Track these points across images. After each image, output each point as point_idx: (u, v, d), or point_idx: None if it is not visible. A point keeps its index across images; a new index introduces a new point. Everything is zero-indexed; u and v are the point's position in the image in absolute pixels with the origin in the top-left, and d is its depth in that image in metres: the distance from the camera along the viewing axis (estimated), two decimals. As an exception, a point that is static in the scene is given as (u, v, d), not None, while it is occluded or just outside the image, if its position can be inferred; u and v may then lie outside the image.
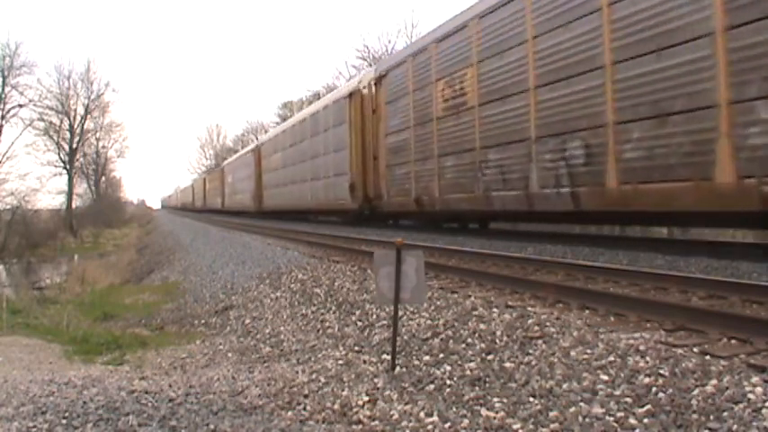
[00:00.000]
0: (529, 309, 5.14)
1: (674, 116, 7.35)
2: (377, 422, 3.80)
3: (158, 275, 17.65)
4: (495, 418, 3.51)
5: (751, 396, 3.04)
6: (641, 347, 3.84)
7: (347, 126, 18.13)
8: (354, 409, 4.02)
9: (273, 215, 30.32)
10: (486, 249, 9.04)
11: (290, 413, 4.08)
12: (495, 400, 3.73)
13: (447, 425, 3.58)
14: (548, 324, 4.64)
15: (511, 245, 9.78)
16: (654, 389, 3.33)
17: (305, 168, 22.98)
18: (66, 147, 53.47)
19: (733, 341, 3.86)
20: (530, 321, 4.78)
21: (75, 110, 54.13)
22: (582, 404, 3.37)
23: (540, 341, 4.37)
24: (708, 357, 3.59)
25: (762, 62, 6.28)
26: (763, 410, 2.91)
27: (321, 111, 21.46)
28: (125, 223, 65.80)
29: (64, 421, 3.93)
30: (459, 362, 4.43)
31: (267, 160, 30.43)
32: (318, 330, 6.53)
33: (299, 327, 6.94)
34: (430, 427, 3.61)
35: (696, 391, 3.20)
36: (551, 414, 3.37)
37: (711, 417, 2.97)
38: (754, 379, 3.20)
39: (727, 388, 3.16)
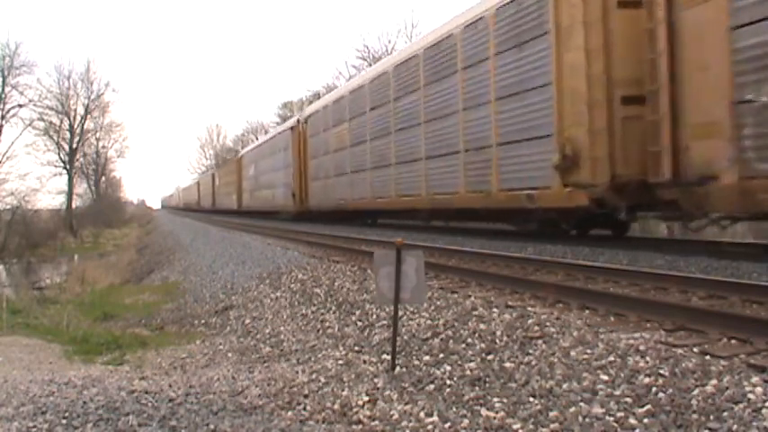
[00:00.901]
0: (529, 309, 5.14)
1: None
2: (377, 422, 3.80)
3: (158, 275, 17.64)
4: (495, 418, 3.51)
5: (751, 396, 3.04)
6: (641, 347, 3.84)
7: None
8: (354, 409, 4.02)
9: (334, 219, 20.69)
10: (486, 249, 9.04)
11: (290, 413, 4.08)
12: (495, 400, 3.73)
13: (447, 425, 3.58)
14: (548, 324, 4.64)
15: (511, 245, 9.78)
16: (654, 389, 3.33)
17: (444, 132, 12.34)
18: (66, 147, 53.46)
19: (733, 341, 3.87)
20: (530, 321, 4.78)
21: (75, 110, 54.13)
22: (582, 404, 3.37)
23: (540, 341, 4.37)
24: (708, 357, 3.59)
25: None
26: (763, 410, 2.91)
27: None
28: (125, 223, 65.74)
29: (64, 421, 3.93)
30: (460, 362, 4.43)
31: (319, 138, 21.23)
32: (318, 330, 6.53)
33: (299, 327, 6.94)
34: (430, 427, 3.61)
35: (696, 391, 3.20)
36: (551, 414, 3.37)
37: (711, 417, 2.97)
38: (754, 379, 3.20)
39: (727, 388, 3.16)
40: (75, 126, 54.16)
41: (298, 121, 24.23)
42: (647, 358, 3.68)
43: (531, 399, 3.60)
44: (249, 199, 33.89)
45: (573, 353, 4.02)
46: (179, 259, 18.52)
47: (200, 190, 58.32)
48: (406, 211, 15.30)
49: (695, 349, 3.74)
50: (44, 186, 52.09)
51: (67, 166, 53.49)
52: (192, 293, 11.48)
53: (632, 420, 3.11)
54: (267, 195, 28.92)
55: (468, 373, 4.20)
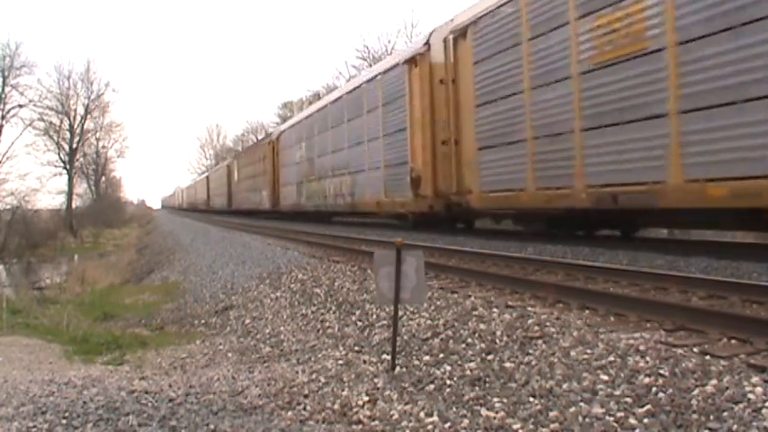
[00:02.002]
0: (529, 309, 5.14)
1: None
2: (377, 422, 3.80)
3: (158, 275, 17.64)
4: (495, 418, 3.51)
5: (751, 396, 3.04)
6: (641, 347, 3.84)
7: None
8: (354, 409, 4.02)
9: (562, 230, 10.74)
10: (486, 249, 9.03)
11: (290, 413, 4.08)
12: (495, 400, 3.72)
13: (447, 425, 3.58)
14: (548, 324, 4.64)
15: (511, 245, 9.77)
16: (654, 389, 3.33)
17: None
18: (66, 147, 53.53)
19: (733, 341, 3.86)
20: (530, 321, 4.78)
21: (75, 110, 54.21)
22: (582, 404, 3.37)
23: (540, 341, 4.37)
24: (708, 357, 3.58)
25: None
26: (763, 410, 2.91)
27: None
28: (125, 223, 65.73)
29: (64, 421, 3.93)
30: (459, 362, 4.43)
31: (506, 58, 10.23)
32: (318, 330, 6.53)
33: (299, 327, 6.94)
34: (430, 427, 3.61)
35: (696, 391, 3.20)
36: (551, 414, 3.37)
37: (711, 417, 2.97)
38: (754, 379, 3.20)
39: (727, 388, 3.16)
40: (75, 126, 54.26)
41: (427, 45, 12.70)
42: (647, 358, 3.68)
43: (531, 399, 3.60)
44: (295, 195, 22.79)
45: (573, 353, 4.02)
46: (179, 259, 18.52)
47: (210, 187, 48.63)
48: None
49: (695, 349, 3.74)
50: (44, 186, 52.23)
51: (67, 166, 53.54)
52: (192, 293, 11.48)
53: (632, 420, 3.11)
54: (334, 187, 17.94)
55: (468, 373, 4.20)
